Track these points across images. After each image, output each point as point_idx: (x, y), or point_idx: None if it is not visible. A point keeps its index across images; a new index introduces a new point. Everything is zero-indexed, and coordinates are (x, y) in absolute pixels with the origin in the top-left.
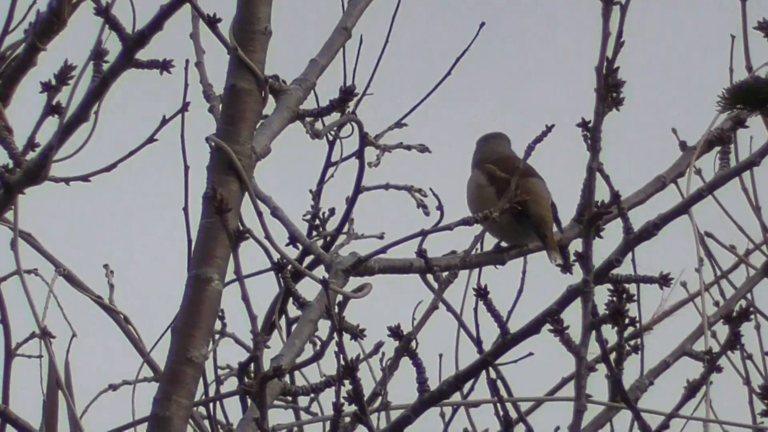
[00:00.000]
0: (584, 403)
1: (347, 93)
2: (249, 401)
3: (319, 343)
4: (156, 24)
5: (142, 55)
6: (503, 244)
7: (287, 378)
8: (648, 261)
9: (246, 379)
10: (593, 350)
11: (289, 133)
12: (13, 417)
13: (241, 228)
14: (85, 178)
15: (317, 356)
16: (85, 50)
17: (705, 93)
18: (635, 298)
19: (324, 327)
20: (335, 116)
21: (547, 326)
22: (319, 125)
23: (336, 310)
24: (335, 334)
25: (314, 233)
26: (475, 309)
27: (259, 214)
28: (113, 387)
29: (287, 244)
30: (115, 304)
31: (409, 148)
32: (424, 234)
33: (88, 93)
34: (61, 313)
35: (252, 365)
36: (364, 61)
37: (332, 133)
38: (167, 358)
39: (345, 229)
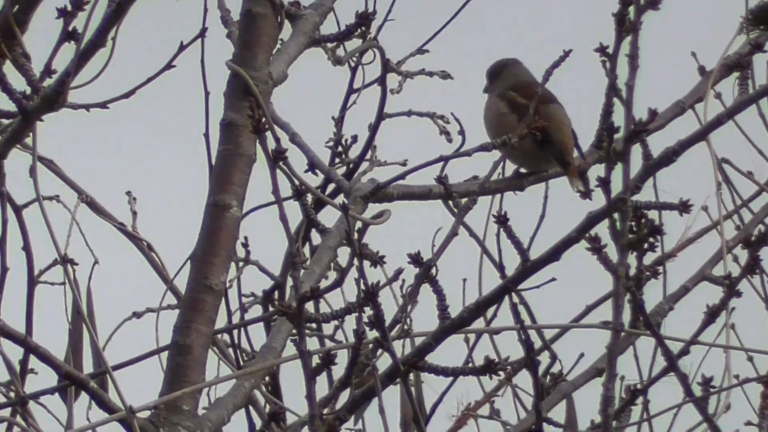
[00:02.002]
0: (622, 323)
1: (363, 18)
2: (272, 328)
3: (339, 269)
4: None
5: None
6: (522, 170)
7: (311, 305)
8: (669, 187)
9: (271, 307)
10: None
11: (309, 59)
12: (33, 346)
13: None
14: (103, 105)
15: (337, 283)
16: None
17: (724, 17)
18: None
19: (344, 254)
20: (357, 42)
21: (584, 244)
22: (340, 52)
23: (356, 236)
24: (355, 260)
25: (337, 160)
26: (497, 235)
27: (277, 140)
28: (137, 315)
29: (306, 171)
30: (138, 231)
31: (431, 74)
32: (442, 160)
33: (104, 18)
34: (83, 240)
35: (276, 292)
36: None
37: (354, 59)
38: (186, 286)
39: (368, 157)
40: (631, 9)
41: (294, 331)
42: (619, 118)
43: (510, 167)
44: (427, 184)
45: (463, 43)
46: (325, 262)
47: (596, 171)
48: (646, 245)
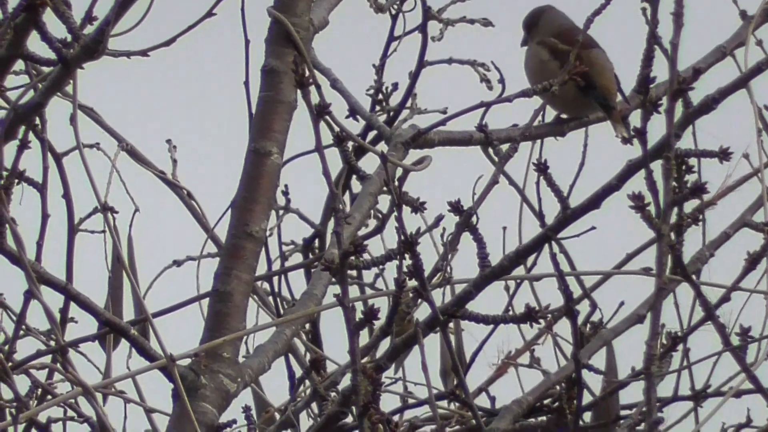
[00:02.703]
0: (665, 281)
1: None
2: (312, 276)
3: (380, 216)
4: None
5: None
6: (563, 116)
7: None
8: (709, 135)
9: (311, 254)
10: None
11: (350, 6)
12: (73, 293)
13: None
14: (144, 53)
15: (378, 230)
16: None
17: None
18: (694, 169)
19: (385, 200)
20: None
21: (625, 194)
22: None
23: (396, 183)
24: (395, 208)
25: (377, 108)
26: (537, 183)
27: (318, 86)
28: (177, 263)
29: (347, 117)
30: (178, 179)
31: (472, 21)
32: (483, 105)
33: None
34: (123, 188)
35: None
36: None
37: (395, 6)
38: (227, 233)
39: (408, 104)
40: None
41: (334, 279)
42: (658, 65)
43: (550, 114)
44: (468, 130)
45: None
46: (365, 209)
47: (637, 116)
48: (700, 194)
